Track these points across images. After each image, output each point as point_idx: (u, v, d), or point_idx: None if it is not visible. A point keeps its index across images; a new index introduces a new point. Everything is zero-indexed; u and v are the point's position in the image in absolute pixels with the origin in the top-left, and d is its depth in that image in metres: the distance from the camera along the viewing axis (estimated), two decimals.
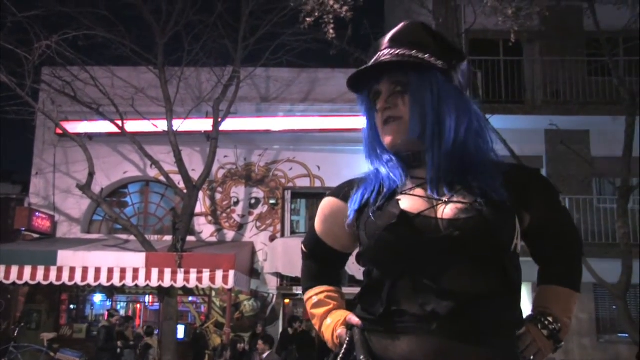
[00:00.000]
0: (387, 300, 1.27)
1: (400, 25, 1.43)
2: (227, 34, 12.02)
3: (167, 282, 10.00)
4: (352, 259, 1.51)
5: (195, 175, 11.50)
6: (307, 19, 8.33)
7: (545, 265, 1.43)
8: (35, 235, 12.26)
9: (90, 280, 10.04)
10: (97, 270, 10.04)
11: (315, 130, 12.67)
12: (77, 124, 12.45)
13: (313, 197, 12.93)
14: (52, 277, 10.03)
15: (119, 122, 11.25)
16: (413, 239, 1.25)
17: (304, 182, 12.93)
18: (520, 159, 8.94)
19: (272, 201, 12.76)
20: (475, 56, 11.55)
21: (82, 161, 11.73)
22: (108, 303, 12.65)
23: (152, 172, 12.47)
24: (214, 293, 12.44)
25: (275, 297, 12.33)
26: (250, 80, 12.46)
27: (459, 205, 1.27)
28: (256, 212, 12.83)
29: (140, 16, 11.49)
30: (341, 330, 1.40)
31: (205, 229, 12.77)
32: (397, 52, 1.36)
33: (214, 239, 12.64)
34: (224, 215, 12.88)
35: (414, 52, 1.35)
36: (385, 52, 1.38)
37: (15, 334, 11.14)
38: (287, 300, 12.52)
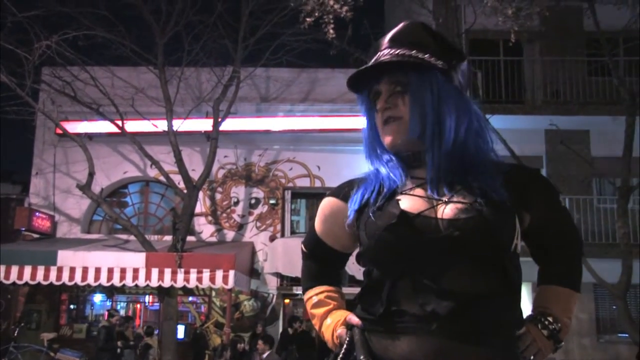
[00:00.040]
0: (387, 300, 1.27)
1: (400, 25, 1.42)
2: (227, 34, 12.03)
3: (167, 282, 10.00)
4: (352, 259, 1.51)
5: (195, 175, 11.50)
6: (307, 19, 8.33)
7: (545, 265, 1.43)
8: (35, 235, 12.26)
9: (90, 280, 10.04)
10: (97, 270, 10.04)
11: (315, 130, 12.67)
12: (77, 124, 12.45)
13: (313, 197, 12.93)
14: (52, 277, 10.03)
15: (119, 122, 11.25)
16: (413, 239, 1.25)
17: (304, 182, 12.93)
18: (520, 159, 8.93)
19: (272, 201, 12.76)
20: (475, 56, 11.54)
21: (82, 161, 11.73)
22: (108, 303, 12.65)
23: (152, 172, 12.47)
24: (214, 293, 12.44)
25: (275, 297, 12.33)
26: (250, 80, 12.46)
27: (459, 205, 1.27)
28: (256, 212, 12.83)
29: (140, 16, 11.49)
30: (341, 330, 1.40)
31: (205, 229, 12.77)
32: (397, 52, 1.36)
33: (214, 239, 12.64)
34: (224, 215, 12.88)
35: (414, 52, 1.35)
36: (385, 52, 1.38)
37: (15, 334, 11.14)
38: (287, 300, 12.52)
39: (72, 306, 12.84)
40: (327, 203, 1.49)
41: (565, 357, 10.83)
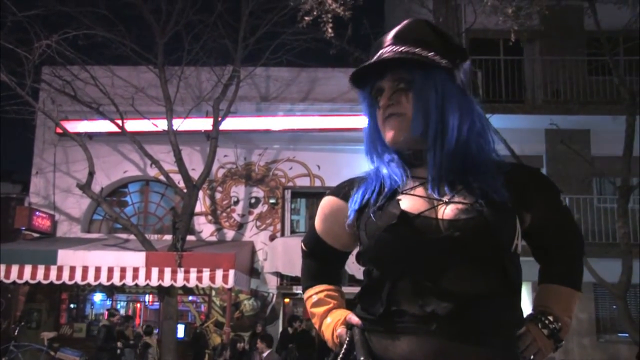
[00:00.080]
0: (387, 301, 1.26)
1: (404, 22, 1.41)
2: (227, 33, 12.03)
3: (167, 282, 10.00)
4: (352, 259, 1.51)
5: (195, 174, 11.50)
6: (306, 18, 8.33)
7: (546, 264, 1.43)
8: (36, 235, 12.27)
9: (91, 279, 10.04)
10: (97, 270, 10.04)
11: (315, 130, 12.67)
12: (77, 123, 12.45)
13: (313, 196, 12.94)
14: (52, 276, 10.03)
15: (119, 122, 11.25)
16: (413, 240, 1.25)
17: (303, 182, 12.93)
18: (520, 158, 8.93)
19: (272, 200, 12.76)
20: (475, 55, 11.53)
21: (82, 160, 11.73)
22: (108, 302, 12.65)
23: (152, 172, 12.47)
24: (213, 292, 12.44)
25: (275, 296, 12.33)
26: (250, 79, 12.46)
27: (460, 206, 1.27)
28: (256, 211, 12.83)
29: (140, 16, 11.49)
30: (341, 330, 1.39)
31: (205, 228, 12.77)
32: (401, 49, 1.34)
33: (213, 239, 12.64)
34: (224, 214, 12.88)
35: (418, 49, 1.33)
36: (388, 50, 1.36)
37: (16, 333, 11.14)
38: (287, 300, 12.53)
39: (72, 305, 12.85)
40: (327, 202, 1.49)
41: (565, 356, 10.83)
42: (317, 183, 12.80)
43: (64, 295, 12.65)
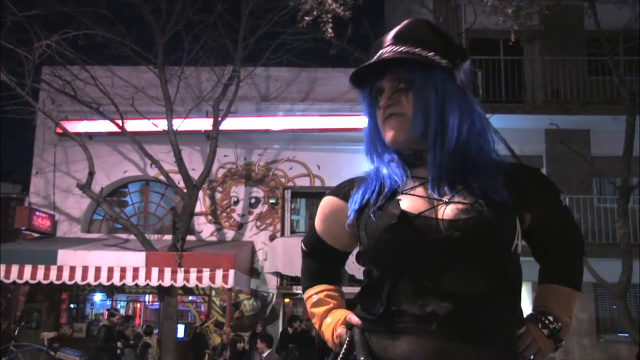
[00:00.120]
0: (387, 301, 1.26)
1: (404, 22, 1.41)
2: (227, 33, 12.03)
3: (167, 282, 10.01)
4: (351, 259, 1.51)
5: (195, 174, 11.50)
6: (306, 18, 8.33)
7: (546, 264, 1.43)
8: (36, 235, 12.27)
9: (91, 279, 10.04)
10: (97, 270, 10.04)
11: (315, 130, 12.67)
12: (77, 123, 12.45)
13: (313, 196, 12.94)
14: (52, 276, 10.03)
15: (119, 122, 11.25)
16: (413, 240, 1.25)
17: (303, 182, 12.93)
18: (520, 158, 8.93)
19: (272, 200, 12.76)
20: (475, 55, 11.53)
21: (82, 160, 11.73)
22: (108, 302, 12.66)
23: (152, 172, 12.47)
24: (213, 292, 12.44)
25: (275, 296, 12.34)
26: (250, 79, 12.46)
27: (460, 206, 1.27)
28: (256, 211, 12.83)
29: (140, 16, 11.49)
30: (341, 330, 1.39)
31: (205, 228, 12.77)
32: (401, 49, 1.34)
33: (213, 239, 12.64)
34: (224, 214, 12.88)
35: (418, 49, 1.33)
36: (388, 49, 1.36)
37: (16, 333, 11.14)
38: (287, 300, 12.53)
39: (72, 305, 12.85)
40: (327, 202, 1.49)
41: (565, 356, 10.83)
42: (317, 183, 12.81)
43: (64, 295, 12.65)
